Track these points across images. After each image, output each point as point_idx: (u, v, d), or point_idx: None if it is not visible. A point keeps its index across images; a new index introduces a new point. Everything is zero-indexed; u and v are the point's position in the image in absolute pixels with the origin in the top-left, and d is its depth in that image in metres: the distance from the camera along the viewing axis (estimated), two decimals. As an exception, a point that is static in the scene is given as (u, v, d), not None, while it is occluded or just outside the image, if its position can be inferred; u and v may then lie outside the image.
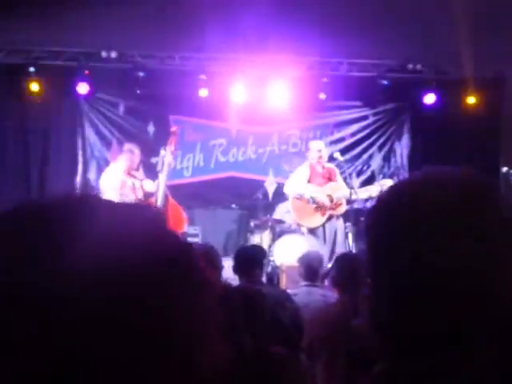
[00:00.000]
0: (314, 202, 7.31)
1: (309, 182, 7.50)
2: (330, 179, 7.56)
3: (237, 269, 4.39)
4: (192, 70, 9.54)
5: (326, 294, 4.76)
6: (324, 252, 6.94)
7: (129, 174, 7.30)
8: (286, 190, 7.61)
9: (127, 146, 7.55)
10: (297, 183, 7.48)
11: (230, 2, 8.86)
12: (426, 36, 8.54)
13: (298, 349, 3.58)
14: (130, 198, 7.20)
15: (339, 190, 7.39)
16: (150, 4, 8.76)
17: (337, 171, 7.73)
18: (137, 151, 7.34)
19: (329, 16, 8.41)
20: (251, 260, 4.34)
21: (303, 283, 4.96)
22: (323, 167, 7.56)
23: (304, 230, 8.07)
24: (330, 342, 3.27)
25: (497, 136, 9.81)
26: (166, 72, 9.53)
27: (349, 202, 7.60)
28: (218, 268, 3.50)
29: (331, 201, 7.33)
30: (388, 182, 7.56)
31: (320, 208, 7.31)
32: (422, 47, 8.96)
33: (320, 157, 7.47)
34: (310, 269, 4.96)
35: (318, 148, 7.58)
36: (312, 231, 7.42)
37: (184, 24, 8.74)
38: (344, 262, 3.84)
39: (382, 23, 8.37)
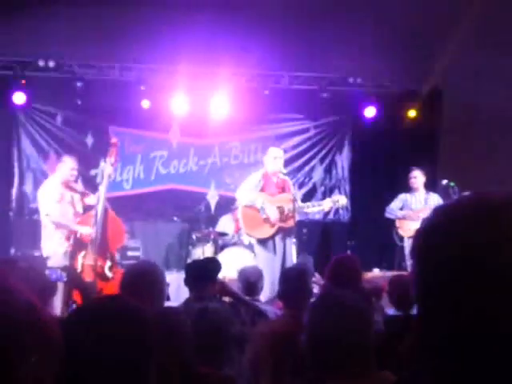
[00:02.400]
0: (265, 212, 7.13)
1: (262, 190, 7.28)
2: (283, 190, 7.38)
3: (187, 282, 4.29)
4: (132, 80, 9.40)
5: (265, 308, 4.71)
6: (275, 264, 6.88)
7: (67, 186, 7.10)
8: (237, 195, 7.41)
9: (62, 157, 7.35)
10: (249, 190, 7.26)
11: (171, 14, 8.81)
12: (366, 50, 8.67)
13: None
14: (69, 211, 7.02)
15: (292, 202, 7.20)
16: (89, 14, 8.64)
17: (290, 183, 7.57)
18: (73, 163, 7.14)
19: (271, 29, 8.45)
20: (203, 273, 4.25)
21: (243, 298, 4.89)
22: (278, 177, 7.36)
23: (253, 240, 7.86)
24: (275, 356, 3.22)
25: (434, 149, 10.00)
26: (106, 82, 9.35)
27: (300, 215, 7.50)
28: (162, 284, 3.40)
29: (282, 212, 7.16)
30: (341, 198, 7.57)
31: (269, 220, 7.15)
32: (361, 61, 9.09)
33: (275, 164, 7.24)
34: (248, 283, 4.90)
35: (275, 155, 7.35)
36: (262, 242, 7.23)
37: (124, 34, 8.63)
38: (290, 276, 3.80)
39: (324, 37, 8.46)
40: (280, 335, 3.27)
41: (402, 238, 8.50)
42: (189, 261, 8.92)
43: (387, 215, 8.57)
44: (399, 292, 4.22)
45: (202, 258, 8.49)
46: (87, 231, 6.65)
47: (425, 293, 0.99)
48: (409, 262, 8.01)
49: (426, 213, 8.06)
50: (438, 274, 0.95)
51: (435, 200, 8.26)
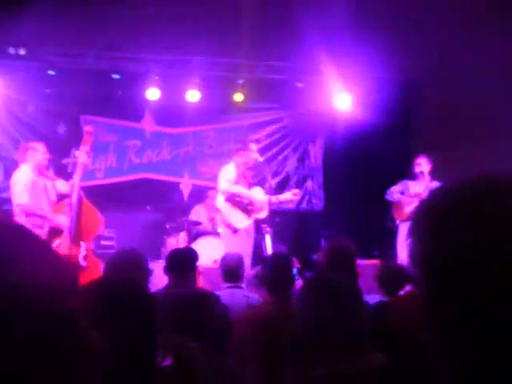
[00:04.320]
0: (243, 203, 7.42)
1: (236, 183, 7.55)
2: (252, 183, 7.70)
3: (169, 270, 4.30)
4: (105, 68, 9.30)
5: (248, 295, 4.74)
6: (246, 254, 6.96)
7: (40, 173, 6.99)
8: (224, 187, 7.61)
9: (31, 144, 7.21)
10: (227, 182, 7.51)
11: (144, 1, 8.74)
12: (343, 39, 8.70)
13: (225, 350, 3.53)
14: (43, 199, 6.92)
15: (261, 194, 7.52)
16: (60, 2, 8.52)
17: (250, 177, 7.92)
18: (41, 148, 7.02)
19: (246, 19, 8.44)
20: (184, 262, 4.26)
21: (225, 285, 4.92)
22: (246, 170, 7.65)
23: (220, 230, 8.05)
24: (260, 342, 3.24)
25: (407, 137, 10.08)
26: (78, 71, 9.23)
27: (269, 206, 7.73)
28: (146, 272, 3.39)
29: (252, 204, 7.46)
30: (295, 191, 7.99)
31: (246, 210, 7.41)
32: (336, 50, 9.11)
33: (255, 159, 7.59)
34: (230, 270, 4.93)
35: (254, 150, 7.71)
36: (235, 232, 7.45)
37: (96, 21, 8.54)
38: (273, 262, 3.81)
39: (297, 26, 8.47)
40: (265, 321, 3.28)
41: (393, 221, 8.54)
42: (163, 250, 8.93)
43: (387, 197, 8.58)
44: (390, 278, 4.32)
45: (176, 247, 8.51)
46: (62, 220, 6.58)
47: (433, 272, 0.99)
48: (400, 244, 8.10)
49: (422, 197, 8.14)
50: (450, 260, 0.96)
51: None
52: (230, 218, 7.49)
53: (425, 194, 8.21)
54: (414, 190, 8.40)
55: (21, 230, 0.89)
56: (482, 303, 0.91)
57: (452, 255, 0.94)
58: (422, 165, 8.31)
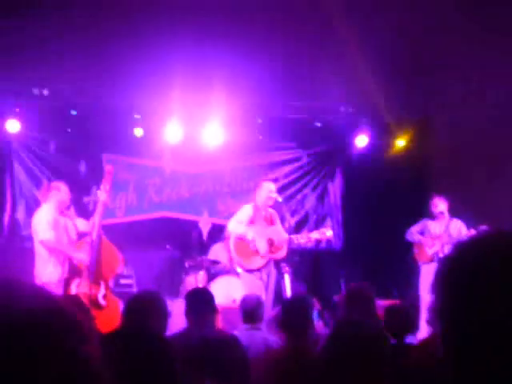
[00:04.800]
0: (254, 245, 7.37)
1: (252, 223, 7.51)
2: (271, 223, 7.62)
3: (189, 312, 4.30)
4: (125, 107, 9.43)
5: (267, 337, 4.73)
6: (264, 294, 6.93)
7: (61, 212, 7.08)
8: (230, 227, 7.59)
9: (54, 183, 7.32)
10: (240, 223, 7.50)
11: (165, 42, 8.87)
12: (357, 79, 8.75)
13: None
14: (64, 238, 6.98)
15: (280, 234, 7.47)
16: (81, 41, 8.69)
17: (276, 216, 7.80)
18: (64, 188, 7.13)
19: (265, 58, 8.53)
20: (204, 304, 4.26)
21: (244, 326, 4.91)
22: (266, 211, 7.62)
23: (239, 270, 8.02)
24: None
25: (426, 176, 10.06)
26: (99, 110, 9.38)
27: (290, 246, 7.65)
28: (165, 316, 3.39)
29: (271, 244, 7.37)
30: (327, 231, 7.80)
31: (258, 252, 7.38)
32: (353, 90, 9.17)
33: (269, 198, 7.51)
34: (249, 311, 4.93)
35: (270, 189, 7.65)
36: (251, 273, 7.41)
37: (118, 61, 8.67)
38: (292, 306, 3.80)
39: (317, 67, 8.54)
40: (284, 364, 3.26)
41: (415, 262, 8.50)
42: (181, 288, 8.92)
43: (407, 237, 8.56)
44: (397, 321, 4.27)
45: (195, 286, 8.50)
46: (83, 257, 6.63)
47: (458, 327, 0.99)
48: (423, 286, 8.04)
49: (443, 239, 8.11)
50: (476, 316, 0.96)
51: (457, 226, 8.22)
52: (240, 258, 7.49)
53: (446, 234, 8.18)
54: (435, 230, 8.36)
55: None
56: (509, 363, 0.91)
57: (478, 311, 0.95)
58: (439, 205, 8.29)
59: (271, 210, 7.66)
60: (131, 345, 1.43)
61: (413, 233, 8.50)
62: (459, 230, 8.16)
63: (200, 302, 4.31)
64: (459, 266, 1.01)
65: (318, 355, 2.36)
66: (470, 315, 0.96)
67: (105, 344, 1.48)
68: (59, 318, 0.90)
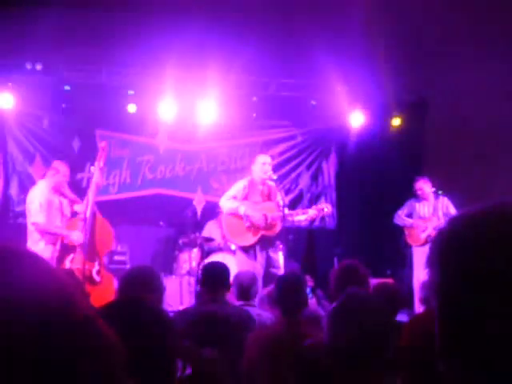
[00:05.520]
0: (248, 220, 7.17)
1: (246, 198, 7.33)
2: (269, 198, 7.41)
3: (203, 285, 4.34)
4: (119, 84, 9.37)
5: (261, 313, 4.72)
6: (256, 271, 6.88)
7: (57, 191, 7.01)
8: (221, 203, 7.44)
9: (55, 163, 7.24)
10: (231, 198, 7.31)
11: (160, 18, 8.81)
12: (354, 59, 8.72)
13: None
14: (57, 217, 6.94)
15: (274, 210, 7.25)
16: (76, 17, 8.62)
17: (276, 191, 7.56)
18: (64, 169, 7.07)
19: (259, 35, 8.48)
20: (218, 278, 4.29)
21: (238, 303, 4.90)
22: (264, 184, 7.39)
23: (233, 247, 7.98)
24: (272, 362, 3.22)
25: (420, 157, 10.07)
26: (93, 86, 9.30)
27: (284, 223, 7.43)
28: (160, 290, 3.39)
29: (266, 221, 7.19)
30: (327, 206, 7.62)
31: (253, 227, 7.18)
32: (349, 70, 9.14)
33: (264, 170, 7.27)
34: (243, 288, 4.93)
35: (263, 161, 7.38)
36: (243, 249, 7.28)
37: (112, 38, 8.62)
38: (286, 283, 3.81)
39: (312, 45, 8.50)
40: (278, 341, 3.27)
41: (409, 246, 8.52)
42: (175, 265, 8.94)
43: (395, 221, 8.58)
44: (385, 299, 4.28)
45: (189, 262, 8.52)
46: (77, 236, 6.60)
47: (450, 301, 0.99)
48: (417, 266, 8.08)
49: (434, 221, 8.13)
50: (470, 289, 0.96)
51: (444, 203, 8.25)
52: (231, 234, 7.36)
53: (435, 216, 8.20)
54: (424, 211, 8.38)
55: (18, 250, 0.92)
56: (505, 339, 0.91)
57: (473, 284, 0.94)
58: (424, 187, 8.32)
59: (271, 183, 7.45)
60: (127, 316, 1.43)
61: (400, 216, 8.51)
62: (447, 207, 8.20)
63: (216, 276, 4.33)
64: (455, 239, 1.01)
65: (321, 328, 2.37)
66: (467, 289, 0.95)
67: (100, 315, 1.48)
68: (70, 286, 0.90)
